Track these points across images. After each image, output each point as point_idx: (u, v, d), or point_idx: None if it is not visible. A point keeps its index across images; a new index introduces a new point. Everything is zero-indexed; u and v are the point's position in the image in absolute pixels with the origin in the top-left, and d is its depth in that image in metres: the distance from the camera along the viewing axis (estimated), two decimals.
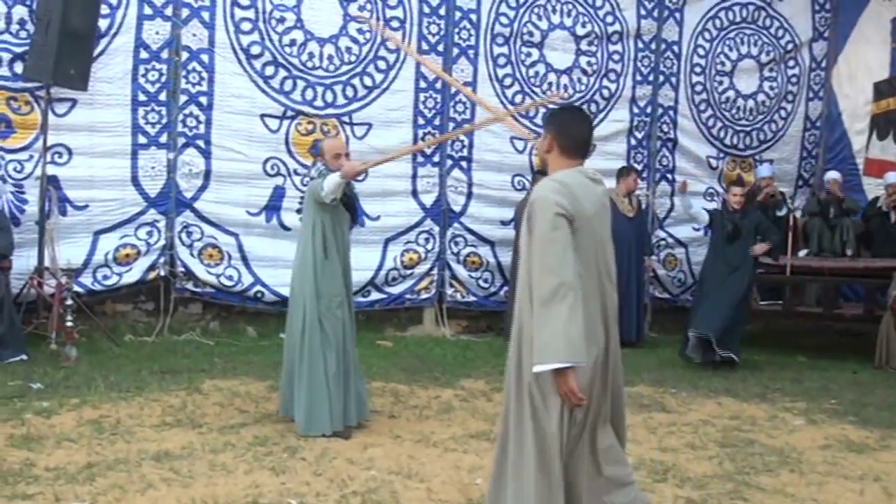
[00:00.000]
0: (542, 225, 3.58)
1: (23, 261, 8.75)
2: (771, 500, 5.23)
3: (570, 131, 3.87)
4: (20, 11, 8.73)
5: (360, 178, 6.56)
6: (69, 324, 8.21)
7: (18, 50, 8.71)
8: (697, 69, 12.17)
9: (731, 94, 12.42)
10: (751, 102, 12.56)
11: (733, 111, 12.48)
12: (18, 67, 8.73)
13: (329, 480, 5.23)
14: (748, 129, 12.60)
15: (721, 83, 12.37)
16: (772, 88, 12.64)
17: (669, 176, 11.95)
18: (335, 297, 6.30)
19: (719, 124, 12.39)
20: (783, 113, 12.77)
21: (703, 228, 11.42)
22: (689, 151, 12.14)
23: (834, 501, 5.24)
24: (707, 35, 12.18)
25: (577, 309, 3.52)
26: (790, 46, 12.65)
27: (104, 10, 9.00)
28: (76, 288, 8.68)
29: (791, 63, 12.71)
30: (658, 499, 5.12)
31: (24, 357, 8.11)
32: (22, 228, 8.85)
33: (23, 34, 8.72)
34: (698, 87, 12.21)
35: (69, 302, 8.31)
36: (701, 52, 12.15)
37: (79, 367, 7.86)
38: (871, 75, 12.58)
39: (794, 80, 12.75)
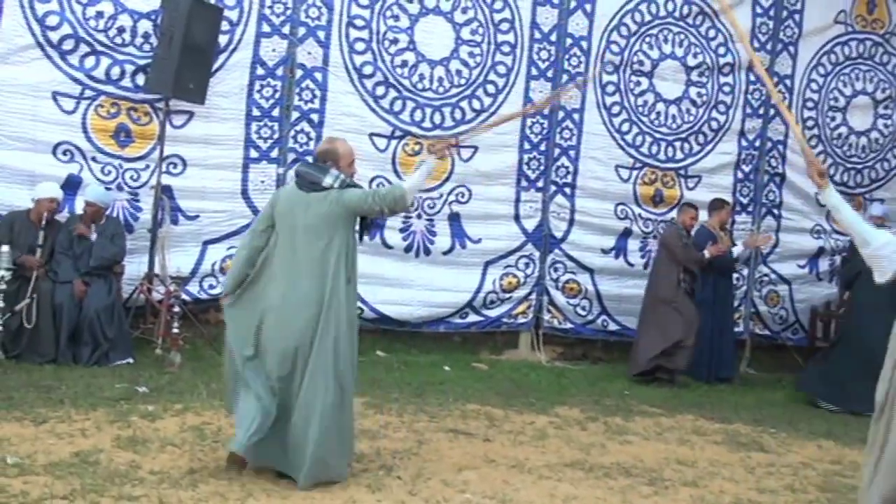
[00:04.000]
0: None
1: (134, 267, 9.02)
2: None
3: None
4: (145, 25, 9.01)
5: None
6: (175, 330, 8.43)
7: (141, 62, 8.99)
8: (810, 104, 11.93)
9: (843, 130, 12.14)
10: (863, 140, 12.26)
11: (845, 147, 12.19)
12: (140, 79, 9.01)
13: (424, 501, 5.26)
14: (860, 166, 12.30)
15: (833, 119, 12.10)
16: (886, 126, 12.32)
17: (776, 211, 11.74)
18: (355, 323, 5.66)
19: (830, 160, 12.08)
20: None
21: (807, 265, 11.17)
22: (797, 187, 11.85)
23: None
24: (821, 70, 11.94)
25: None
26: None
27: (224, 26, 9.22)
28: (183, 296, 8.92)
29: None
30: None
31: (131, 360, 8.36)
32: (135, 235, 9.12)
33: (146, 47, 9.00)
34: (810, 122, 11.95)
35: (176, 309, 8.52)
36: (814, 86, 11.91)
37: (182, 373, 8.06)
38: None
39: None
